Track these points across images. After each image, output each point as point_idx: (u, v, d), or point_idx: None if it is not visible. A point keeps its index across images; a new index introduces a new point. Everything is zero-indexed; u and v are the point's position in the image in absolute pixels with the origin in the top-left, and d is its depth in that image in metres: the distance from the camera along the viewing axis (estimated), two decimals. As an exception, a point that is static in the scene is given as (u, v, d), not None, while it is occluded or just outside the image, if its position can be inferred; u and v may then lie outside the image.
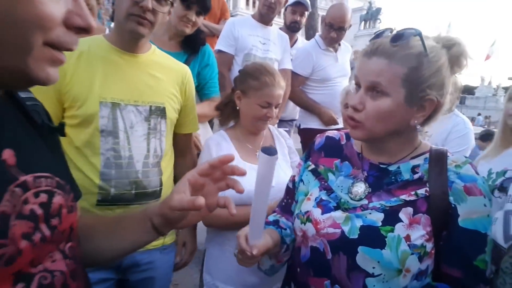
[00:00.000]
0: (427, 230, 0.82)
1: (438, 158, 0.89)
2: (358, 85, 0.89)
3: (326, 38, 2.68)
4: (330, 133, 1.11)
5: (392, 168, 0.92)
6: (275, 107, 1.43)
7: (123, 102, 1.19)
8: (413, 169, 0.90)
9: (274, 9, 2.41)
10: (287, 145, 1.61)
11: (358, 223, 0.86)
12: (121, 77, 1.18)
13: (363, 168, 0.95)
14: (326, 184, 0.98)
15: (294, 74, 2.69)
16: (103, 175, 1.17)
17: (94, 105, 1.14)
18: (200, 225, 1.55)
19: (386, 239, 0.82)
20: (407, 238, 0.81)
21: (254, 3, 51.23)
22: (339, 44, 2.80)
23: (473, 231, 0.82)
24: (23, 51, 0.46)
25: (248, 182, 1.34)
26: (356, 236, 0.85)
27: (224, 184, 0.75)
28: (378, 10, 51.51)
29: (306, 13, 2.94)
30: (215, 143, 1.43)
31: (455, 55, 0.86)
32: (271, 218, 1.14)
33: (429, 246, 0.82)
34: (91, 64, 1.15)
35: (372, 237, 0.83)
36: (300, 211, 0.98)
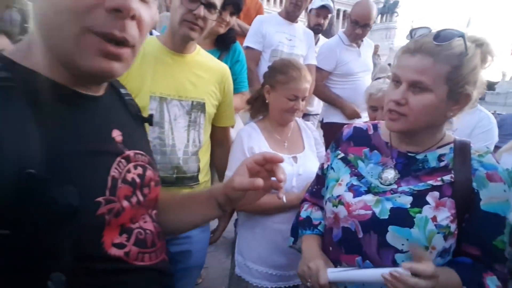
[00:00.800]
0: (452, 213, 0.90)
1: (462, 148, 0.96)
2: (397, 81, 0.95)
3: (351, 34, 2.73)
4: (357, 124, 1.19)
5: (419, 156, 0.99)
6: (302, 100, 1.50)
7: (169, 96, 1.30)
8: (439, 158, 0.97)
9: (300, 7, 2.48)
10: (313, 136, 1.69)
11: (388, 205, 0.95)
12: (169, 75, 1.30)
13: (392, 156, 1.03)
14: (356, 170, 1.06)
15: (318, 69, 2.75)
16: None
17: (145, 98, 1.26)
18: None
19: (414, 219, 0.90)
20: (434, 219, 0.89)
21: (275, 0, 50.80)
22: (362, 40, 2.85)
23: (494, 214, 0.89)
24: (70, 39, 0.49)
25: None
26: (387, 217, 0.93)
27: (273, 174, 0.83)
28: (396, 3, 50.31)
29: (329, 16, 3.02)
30: (247, 134, 1.53)
31: (483, 53, 0.92)
32: (303, 214, 1.21)
33: (453, 227, 0.90)
34: (145, 62, 1.27)
35: (402, 217, 0.92)
36: (332, 195, 1.06)
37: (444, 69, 0.88)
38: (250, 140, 1.50)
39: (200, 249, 1.48)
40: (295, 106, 1.49)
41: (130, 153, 0.66)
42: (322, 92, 2.82)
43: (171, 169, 1.33)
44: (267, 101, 1.56)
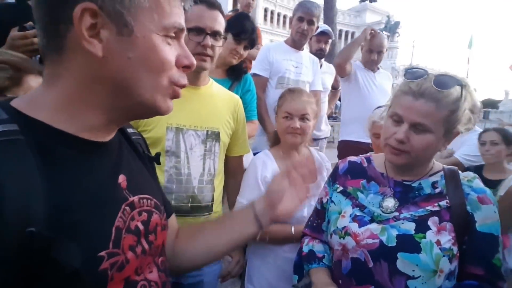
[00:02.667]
0: (452, 236, 0.96)
1: (452, 175, 1.05)
2: (398, 119, 1.02)
3: (368, 62, 2.93)
4: (351, 158, 1.25)
5: (415, 184, 1.06)
6: (300, 120, 1.54)
7: (185, 127, 1.36)
8: (433, 185, 1.05)
9: (307, 36, 2.60)
10: (326, 167, 1.73)
11: (394, 232, 0.99)
12: (185, 106, 1.36)
13: (389, 185, 1.09)
14: (357, 201, 1.10)
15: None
16: (165, 189, 1.32)
17: (162, 129, 1.31)
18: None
19: (420, 245, 0.94)
20: (438, 242, 0.94)
21: (271, 18, 52.11)
22: (378, 68, 3.01)
23: (489, 234, 0.97)
24: (155, 89, 0.59)
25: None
26: (394, 244, 0.97)
27: (309, 180, 0.89)
28: (397, 24, 51.33)
29: (330, 41, 3.18)
30: (261, 162, 1.57)
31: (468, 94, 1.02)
32: (305, 249, 1.23)
33: (455, 249, 0.96)
34: None
35: (408, 243, 0.96)
36: (337, 227, 1.08)
37: (444, 114, 0.97)
38: (264, 168, 1.54)
39: (211, 281, 1.50)
40: (291, 125, 1.53)
41: (135, 199, 0.65)
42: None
43: (186, 198, 1.36)
44: (275, 129, 1.64)
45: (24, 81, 1.09)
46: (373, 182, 1.13)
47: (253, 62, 2.69)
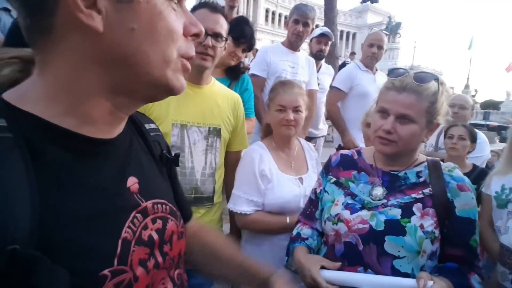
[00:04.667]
0: (434, 220, 1.07)
1: (435, 165, 1.16)
2: (384, 112, 1.14)
3: (368, 56, 3.03)
4: (343, 152, 1.37)
5: (401, 174, 1.18)
6: (293, 112, 1.59)
7: (189, 123, 1.48)
8: (417, 174, 1.16)
9: (302, 37, 2.74)
10: (315, 157, 1.81)
11: (382, 218, 1.10)
12: (189, 104, 1.48)
13: (378, 175, 1.21)
14: (349, 191, 1.22)
15: (335, 89, 3.06)
16: None
17: (168, 125, 1.43)
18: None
19: (406, 228, 1.06)
20: (421, 226, 1.06)
21: (273, 19, 52.22)
22: (376, 69, 3.13)
23: (467, 218, 1.08)
24: (165, 63, 0.50)
25: (286, 192, 1.57)
26: (382, 228, 1.08)
27: None
28: (398, 25, 51.30)
29: (330, 43, 3.29)
30: (258, 156, 1.62)
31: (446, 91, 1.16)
32: (294, 232, 1.35)
33: (437, 232, 1.07)
34: None
35: (395, 227, 1.07)
36: (331, 214, 1.19)
37: (425, 105, 1.09)
38: (261, 162, 1.60)
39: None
40: (285, 117, 1.58)
41: (148, 204, 0.57)
42: (333, 112, 3.07)
43: (190, 190, 1.48)
44: (267, 121, 1.71)
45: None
46: (363, 172, 1.24)
47: (251, 63, 2.82)
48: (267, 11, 52.48)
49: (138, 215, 0.54)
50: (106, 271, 0.47)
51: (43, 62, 0.47)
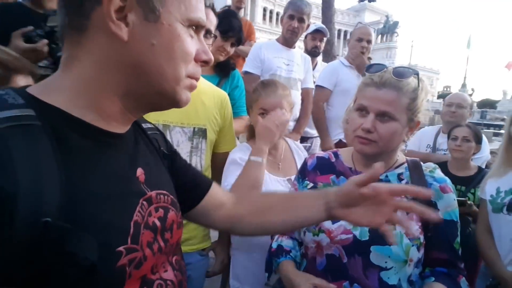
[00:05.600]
0: (419, 225, 1.01)
1: (415, 166, 1.11)
2: (363, 110, 1.05)
3: (356, 51, 2.88)
4: (318, 154, 1.26)
5: (382, 177, 1.09)
6: None
7: (172, 124, 1.37)
8: (399, 176, 1.09)
9: (297, 34, 2.60)
10: (304, 157, 1.72)
11: None
12: None
13: None
14: None
15: (320, 88, 2.87)
16: None
17: (148, 126, 1.32)
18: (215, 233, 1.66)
19: None
20: (407, 233, 0.97)
21: (270, 18, 52.17)
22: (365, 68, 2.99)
23: (450, 220, 1.04)
24: (175, 80, 0.57)
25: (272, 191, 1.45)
26: (367, 238, 0.99)
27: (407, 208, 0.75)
28: (395, 24, 51.46)
29: (325, 39, 3.18)
30: (245, 158, 1.50)
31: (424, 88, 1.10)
32: (274, 245, 1.22)
33: (422, 237, 1.00)
34: None
35: (380, 236, 0.96)
36: None
37: (405, 101, 1.03)
38: (243, 154, 1.49)
39: (199, 276, 1.51)
40: None
41: (152, 193, 0.62)
42: (317, 113, 2.88)
43: (173, 194, 1.38)
44: (251, 123, 1.60)
45: (12, 81, 1.07)
46: (342, 177, 1.14)
47: (246, 60, 2.70)
48: (264, 9, 52.43)
49: (145, 202, 0.59)
50: (121, 248, 0.51)
51: (72, 57, 0.53)
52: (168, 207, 0.66)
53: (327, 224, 1.05)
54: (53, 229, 0.43)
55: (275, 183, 1.53)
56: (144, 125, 0.75)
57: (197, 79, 0.61)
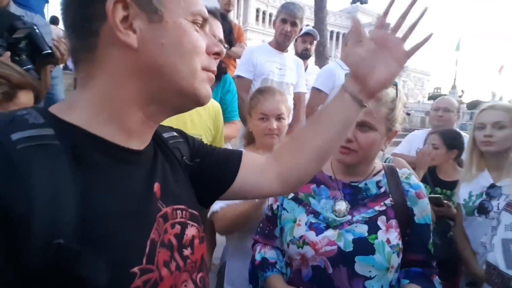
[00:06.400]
0: (398, 231, 1.04)
1: (391, 173, 1.14)
2: None
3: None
4: None
5: (361, 185, 1.12)
6: (277, 120, 1.53)
7: None
8: (377, 184, 1.12)
9: (290, 37, 2.59)
10: None
11: (350, 237, 1.02)
12: None
13: (338, 188, 1.12)
14: (311, 208, 1.11)
15: (316, 91, 2.74)
16: None
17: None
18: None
19: (374, 246, 1.00)
20: (388, 241, 1.01)
21: (263, 19, 52.24)
22: None
23: (424, 224, 1.09)
24: (192, 75, 0.58)
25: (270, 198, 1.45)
26: (352, 249, 1.00)
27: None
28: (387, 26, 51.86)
29: (315, 42, 3.17)
30: None
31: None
32: (258, 257, 1.20)
33: (400, 243, 1.04)
34: None
35: (364, 246, 1.00)
36: (294, 237, 1.08)
37: (384, 112, 1.06)
38: None
39: None
40: (268, 126, 1.52)
41: (168, 210, 0.61)
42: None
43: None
44: (250, 129, 1.61)
45: (17, 97, 1.07)
46: (322, 186, 1.14)
47: (237, 62, 2.67)
48: (257, 10, 52.49)
49: (161, 219, 0.58)
50: (135, 269, 0.50)
51: (88, 77, 0.55)
52: (186, 223, 0.64)
53: (311, 237, 1.05)
54: (65, 251, 0.43)
55: None
56: (166, 135, 0.74)
57: (213, 72, 0.61)
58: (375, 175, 1.14)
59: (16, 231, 0.41)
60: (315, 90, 2.75)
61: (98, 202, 0.49)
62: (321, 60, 8.34)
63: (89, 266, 0.45)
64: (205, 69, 0.59)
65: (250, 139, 1.68)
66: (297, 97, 2.70)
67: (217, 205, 1.47)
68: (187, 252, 0.62)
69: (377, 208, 1.06)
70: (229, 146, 2.25)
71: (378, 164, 1.18)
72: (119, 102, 0.55)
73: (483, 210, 1.66)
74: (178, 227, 0.61)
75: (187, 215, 0.65)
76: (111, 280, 0.46)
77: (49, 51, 1.51)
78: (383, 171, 1.15)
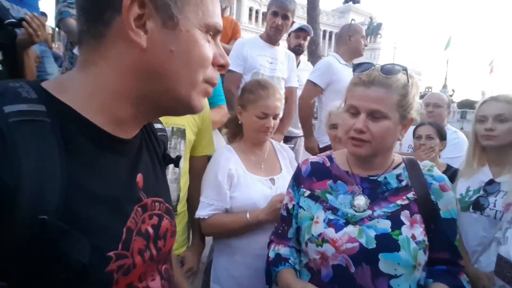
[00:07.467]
0: (423, 227, 0.98)
1: (412, 165, 1.08)
2: (354, 110, 1.02)
3: (361, 48, 2.84)
4: (312, 159, 1.20)
5: (380, 179, 1.07)
6: (273, 118, 1.51)
7: None
8: (398, 177, 1.06)
9: (281, 31, 2.53)
10: (289, 157, 1.70)
11: (372, 233, 0.96)
12: None
13: (356, 183, 1.07)
14: (328, 204, 1.06)
15: (311, 84, 2.70)
16: None
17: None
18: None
19: (398, 242, 0.93)
20: (413, 237, 0.95)
21: (256, 18, 52.19)
22: (353, 64, 2.93)
23: (451, 219, 1.03)
24: (192, 85, 0.57)
25: (254, 192, 1.44)
26: (374, 246, 0.95)
27: None
28: (379, 25, 52.33)
29: (308, 38, 3.12)
30: (224, 157, 1.50)
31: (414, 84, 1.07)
32: (272, 254, 1.18)
33: (426, 239, 0.98)
34: None
35: (388, 243, 0.95)
36: (312, 235, 1.04)
37: (395, 98, 1.00)
38: (227, 162, 1.48)
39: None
40: (266, 124, 1.49)
41: (148, 201, 0.62)
42: (305, 110, 2.76)
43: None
44: (240, 122, 1.57)
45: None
46: (339, 181, 1.10)
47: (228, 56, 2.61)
48: (250, 9, 52.40)
49: (139, 209, 0.59)
50: (112, 253, 0.51)
51: (89, 61, 0.54)
52: (163, 215, 0.65)
53: (331, 234, 1.00)
54: (50, 227, 0.44)
55: (256, 182, 1.50)
56: (157, 126, 0.75)
57: (214, 85, 0.61)
58: (394, 168, 1.09)
59: (3, 204, 0.41)
60: (310, 83, 2.72)
61: (81, 185, 0.49)
62: (314, 58, 8.34)
63: (72, 244, 0.46)
64: (206, 81, 0.59)
65: (234, 132, 1.63)
66: (289, 91, 2.65)
67: (204, 212, 1.45)
68: (160, 243, 0.63)
69: (399, 202, 1.01)
70: (218, 133, 2.14)
71: (397, 156, 1.12)
72: (113, 94, 0.55)
73: (478, 206, 1.59)
74: (155, 218, 0.63)
75: (163, 208, 0.66)
76: (90, 261, 0.47)
77: (13, 20, 1.44)
78: (403, 164, 1.09)
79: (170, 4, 0.53)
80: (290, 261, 1.12)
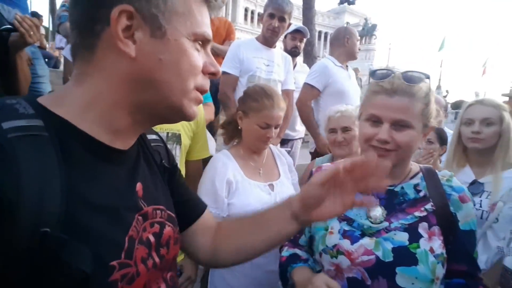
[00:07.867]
0: (441, 239, 0.95)
1: (430, 175, 1.05)
2: (376, 119, 0.98)
3: (356, 52, 2.86)
4: (326, 166, 1.16)
5: (397, 189, 1.03)
6: (275, 128, 1.49)
7: None
8: (415, 187, 1.03)
9: (278, 33, 2.50)
10: (287, 163, 1.68)
11: (389, 245, 0.94)
12: None
13: (372, 193, 1.01)
14: (343, 215, 1.03)
15: (309, 87, 2.70)
16: None
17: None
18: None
19: (416, 256, 0.91)
20: (431, 250, 0.92)
21: (252, 18, 52.16)
22: (347, 66, 2.92)
23: (470, 231, 0.99)
24: (183, 93, 0.59)
25: (253, 198, 1.41)
26: (392, 259, 0.92)
27: (364, 185, 0.72)
28: (374, 27, 52.54)
29: (305, 39, 3.10)
30: (222, 164, 1.47)
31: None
32: (286, 253, 1.14)
33: (444, 252, 0.95)
34: None
35: (405, 256, 0.92)
36: (327, 246, 1.01)
37: (419, 107, 0.97)
38: (224, 168, 1.45)
39: None
40: (267, 134, 1.47)
41: (149, 209, 0.63)
42: (306, 113, 2.74)
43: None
44: (239, 127, 1.54)
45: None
46: None
47: (224, 59, 2.58)
48: (246, 10, 52.35)
49: (140, 217, 0.60)
50: (115, 262, 0.52)
51: (83, 74, 0.56)
52: (165, 223, 0.66)
53: (346, 245, 0.97)
54: (51, 239, 0.45)
55: (254, 188, 1.48)
56: (150, 136, 0.76)
57: (204, 92, 0.62)
58: (412, 177, 1.05)
59: (5, 216, 0.42)
60: (308, 86, 2.71)
61: (81, 196, 0.50)
62: (309, 59, 8.35)
63: (74, 254, 0.46)
64: (197, 88, 0.61)
65: (230, 135, 1.61)
66: (285, 94, 2.60)
67: None
68: (163, 251, 0.64)
69: (417, 214, 0.98)
70: (210, 138, 2.13)
71: (414, 165, 1.09)
72: (109, 104, 0.56)
73: None
74: (157, 226, 0.63)
75: (165, 215, 0.67)
76: (93, 270, 0.48)
77: (9, 26, 1.41)
78: (420, 173, 1.06)
79: (158, 15, 0.54)
80: (309, 262, 1.09)
